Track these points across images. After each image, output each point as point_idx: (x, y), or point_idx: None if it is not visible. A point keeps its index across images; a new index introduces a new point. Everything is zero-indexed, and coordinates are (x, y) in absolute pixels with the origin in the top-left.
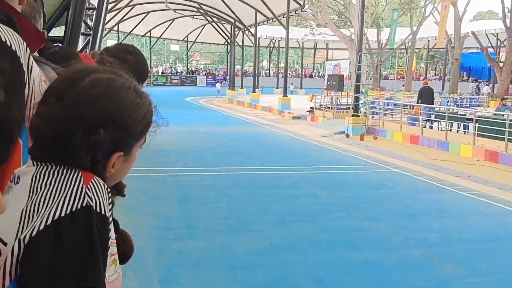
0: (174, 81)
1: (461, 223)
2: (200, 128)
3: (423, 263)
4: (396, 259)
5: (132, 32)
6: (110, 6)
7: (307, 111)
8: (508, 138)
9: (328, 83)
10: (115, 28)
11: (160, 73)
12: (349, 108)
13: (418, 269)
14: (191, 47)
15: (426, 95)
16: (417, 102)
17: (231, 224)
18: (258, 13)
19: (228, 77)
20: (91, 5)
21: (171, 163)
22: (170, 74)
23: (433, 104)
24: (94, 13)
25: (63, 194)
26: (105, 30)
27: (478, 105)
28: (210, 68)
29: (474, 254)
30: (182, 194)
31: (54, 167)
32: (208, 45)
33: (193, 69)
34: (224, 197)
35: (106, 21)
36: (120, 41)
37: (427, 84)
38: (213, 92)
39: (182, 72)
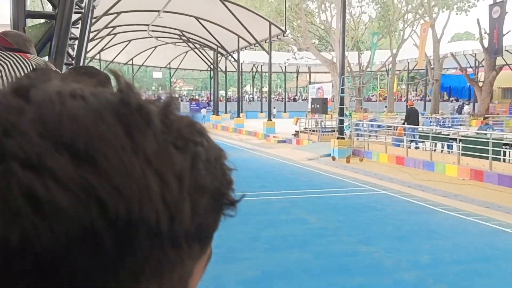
0: None
1: (452, 244)
2: None
3: (416, 285)
4: (389, 282)
5: (114, 61)
6: (91, 35)
7: (292, 134)
8: (492, 157)
9: (312, 106)
10: (97, 57)
11: None
12: (334, 131)
13: None
14: (174, 74)
15: (412, 116)
16: (404, 123)
17: (221, 253)
18: (240, 39)
19: (211, 103)
20: (72, 35)
21: None
22: None
23: (418, 125)
24: (76, 42)
25: None
26: (87, 59)
27: (460, 125)
28: (194, 94)
29: (466, 275)
30: None
31: None
32: (191, 71)
33: (176, 96)
34: None
35: (88, 50)
36: (102, 70)
37: (412, 105)
38: (197, 118)
39: None
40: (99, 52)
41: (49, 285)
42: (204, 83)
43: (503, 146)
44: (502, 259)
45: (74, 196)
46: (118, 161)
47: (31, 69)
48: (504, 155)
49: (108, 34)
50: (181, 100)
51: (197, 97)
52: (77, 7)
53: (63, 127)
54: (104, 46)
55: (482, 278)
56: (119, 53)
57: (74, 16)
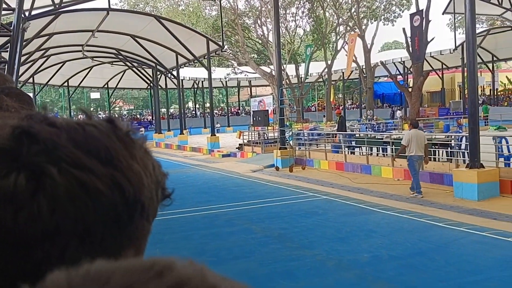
0: None
1: (389, 241)
2: None
3: (357, 283)
4: (331, 282)
5: (48, 83)
6: (23, 58)
7: (236, 148)
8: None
9: (254, 119)
10: (30, 80)
11: None
12: (276, 142)
13: None
14: (112, 94)
15: (340, 124)
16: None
17: None
18: (178, 55)
19: (154, 121)
20: (2, 59)
21: None
22: None
23: (345, 131)
24: (6, 66)
25: None
26: (19, 83)
27: (394, 129)
28: (135, 113)
29: (403, 269)
30: None
31: None
32: (130, 91)
33: (116, 116)
34: (157, 244)
35: (20, 73)
36: (36, 93)
37: (340, 113)
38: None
39: None
40: (32, 76)
41: (91, 239)
42: (145, 101)
43: (433, 146)
44: (436, 252)
45: (106, 183)
46: (126, 163)
47: None
48: (434, 154)
49: (41, 57)
50: (122, 120)
51: (138, 116)
52: (4, 29)
53: (89, 143)
54: (37, 69)
55: (417, 272)
56: (54, 75)
57: (2, 39)
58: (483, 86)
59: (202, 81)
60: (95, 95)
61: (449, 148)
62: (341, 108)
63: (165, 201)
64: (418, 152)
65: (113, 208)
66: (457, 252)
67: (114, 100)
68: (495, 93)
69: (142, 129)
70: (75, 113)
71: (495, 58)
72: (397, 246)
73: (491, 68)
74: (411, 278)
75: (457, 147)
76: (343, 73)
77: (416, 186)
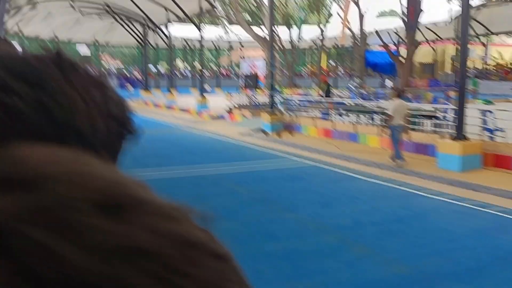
0: None
1: (370, 207)
2: None
3: (337, 246)
4: (312, 244)
5: (37, 38)
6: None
7: (226, 110)
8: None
9: (244, 82)
10: (19, 34)
11: None
12: (266, 106)
13: (332, 252)
14: (100, 50)
15: (327, 91)
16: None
17: None
18: (169, 12)
19: (142, 79)
20: None
21: None
22: None
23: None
24: None
25: None
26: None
27: (383, 98)
28: (123, 69)
29: (382, 235)
30: None
31: None
32: (120, 48)
33: (104, 72)
34: None
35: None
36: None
37: (325, 80)
38: (125, 94)
39: None
40: (17, 24)
41: None
42: (133, 58)
43: (418, 117)
44: (414, 219)
45: (30, 105)
46: (58, 87)
47: None
48: (420, 125)
49: (28, 3)
50: (110, 76)
51: (126, 73)
52: None
53: (22, 69)
54: (23, 18)
55: (395, 237)
56: (40, 28)
57: None
58: (474, 60)
59: (193, 41)
60: (84, 50)
61: (434, 119)
62: (330, 74)
63: (127, 136)
64: (399, 121)
65: (38, 130)
66: (435, 220)
67: (102, 54)
68: (486, 67)
69: (129, 85)
70: None
71: (488, 32)
72: (378, 212)
73: (484, 42)
74: (389, 243)
75: (443, 119)
76: (336, 39)
77: (397, 155)
